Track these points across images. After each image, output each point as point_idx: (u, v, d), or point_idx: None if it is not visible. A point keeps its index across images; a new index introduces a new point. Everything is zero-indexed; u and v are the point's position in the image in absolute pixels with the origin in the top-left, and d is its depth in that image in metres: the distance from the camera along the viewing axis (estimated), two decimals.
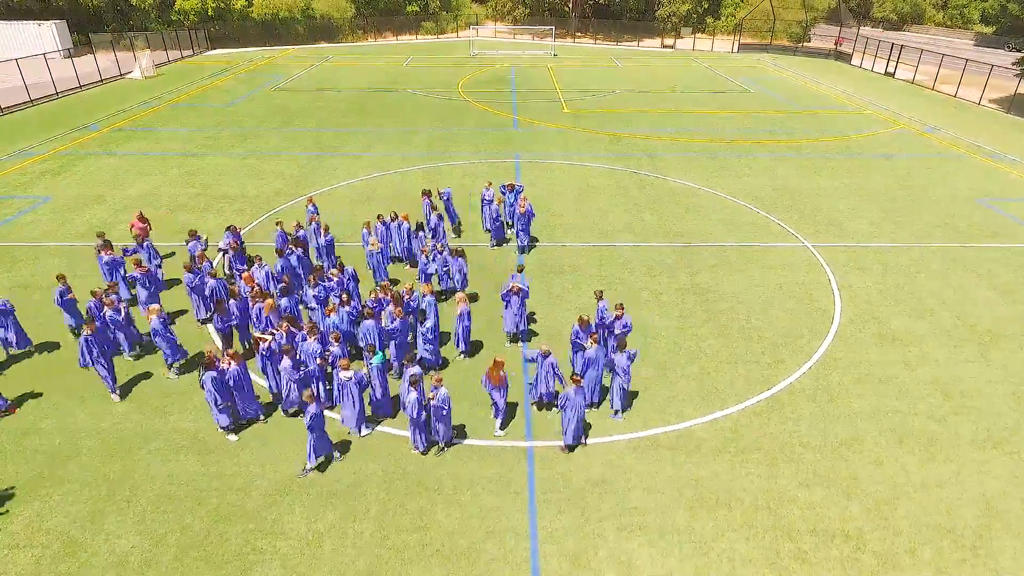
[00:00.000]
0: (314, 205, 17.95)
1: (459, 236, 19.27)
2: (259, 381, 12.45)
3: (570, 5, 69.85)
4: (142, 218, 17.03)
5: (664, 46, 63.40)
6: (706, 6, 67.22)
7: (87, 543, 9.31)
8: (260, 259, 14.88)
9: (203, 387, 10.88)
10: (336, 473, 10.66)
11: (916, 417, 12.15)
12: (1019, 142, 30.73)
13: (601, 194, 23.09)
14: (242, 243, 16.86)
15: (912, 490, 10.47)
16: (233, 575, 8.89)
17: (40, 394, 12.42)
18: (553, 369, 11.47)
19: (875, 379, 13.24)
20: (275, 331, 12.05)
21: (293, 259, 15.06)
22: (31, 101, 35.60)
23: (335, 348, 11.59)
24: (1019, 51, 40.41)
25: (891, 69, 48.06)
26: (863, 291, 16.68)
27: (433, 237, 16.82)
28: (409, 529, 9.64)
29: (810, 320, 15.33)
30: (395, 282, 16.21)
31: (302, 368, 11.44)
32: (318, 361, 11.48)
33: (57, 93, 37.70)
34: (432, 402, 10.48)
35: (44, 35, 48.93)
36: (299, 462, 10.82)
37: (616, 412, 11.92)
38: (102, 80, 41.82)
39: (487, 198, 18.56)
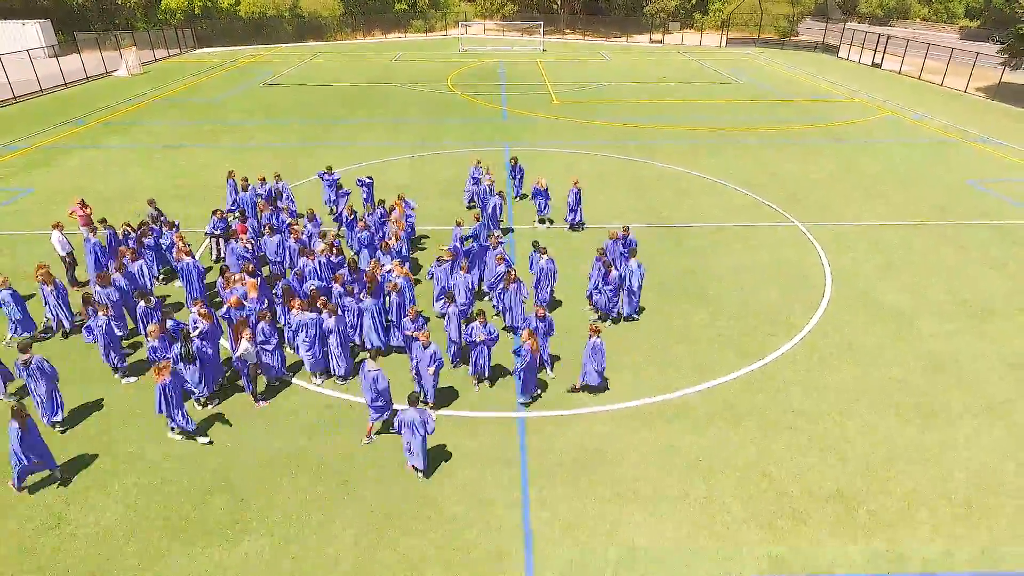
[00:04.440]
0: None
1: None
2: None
3: (559, 1, 69.92)
4: (83, 204, 16.62)
5: (653, 41, 63.52)
6: (694, 2, 67.45)
7: (71, 516, 9.10)
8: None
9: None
10: (324, 446, 10.49)
11: (909, 387, 12.11)
12: (1006, 127, 30.92)
13: (591, 180, 22.97)
14: (226, 226, 16.70)
15: (906, 455, 10.41)
16: (219, 547, 8.70)
17: None
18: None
19: (868, 351, 13.19)
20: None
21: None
22: (15, 98, 35.21)
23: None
24: (1004, 43, 40.66)
25: (878, 60, 48.34)
26: (854, 268, 16.66)
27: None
28: (399, 500, 9.48)
29: (802, 296, 15.29)
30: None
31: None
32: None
33: (42, 90, 37.31)
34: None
35: (28, 34, 48.44)
36: (285, 438, 10.68)
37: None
38: (87, 78, 41.42)
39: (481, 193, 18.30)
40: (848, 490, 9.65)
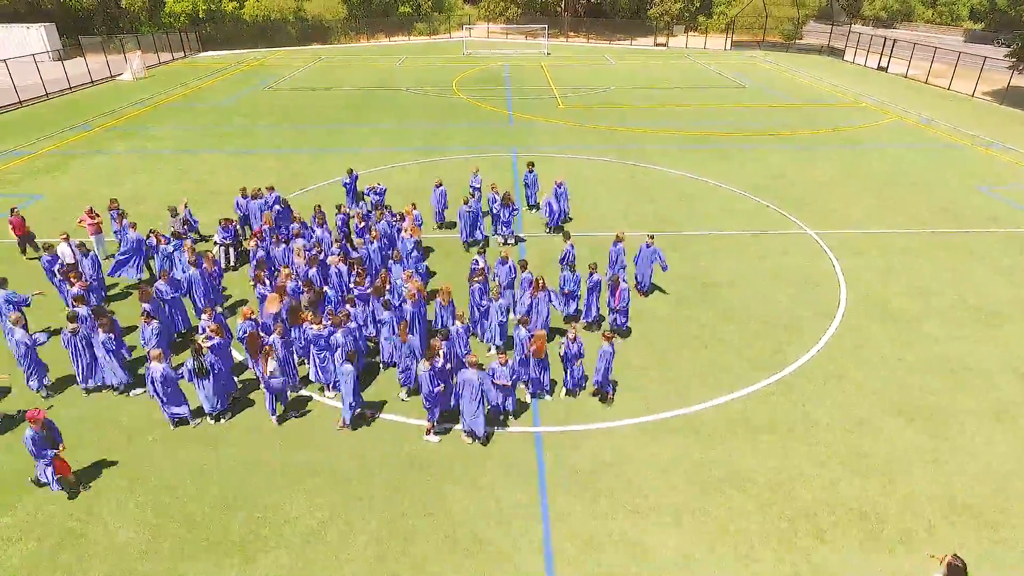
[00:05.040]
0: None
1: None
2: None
3: (562, 5, 69.90)
4: (92, 213, 16.63)
5: (657, 44, 63.46)
6: (698, 4, 67.33)
7: (86, 534, 9.05)
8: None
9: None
10: (341, 460, 10.43)
11: (924, 395, 12.04)
12: (1016, 132, 30.78)
13: (597, 186, 22.95)
14: (236, 237, 16.69)
15: (925, 467, 10.33)
16: (236, 563, 8.64)
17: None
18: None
19: (881, 359, 13.12)
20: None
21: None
22: (20, 103, 35.22)
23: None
24: (1009, 46, 40.53)
25: (884, 64, 48.23)
26: (865, 275, 16.58)
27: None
28: (416, 514, 9.42)
29: (814, 304, 15.21)
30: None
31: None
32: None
33: (47, 95, 37.33)
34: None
35: (32, 38, 48.53)
36: (298, 451, 10.62)
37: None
38: (92, 82, 41.47)
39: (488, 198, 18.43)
40: (866, 504, 9.58)
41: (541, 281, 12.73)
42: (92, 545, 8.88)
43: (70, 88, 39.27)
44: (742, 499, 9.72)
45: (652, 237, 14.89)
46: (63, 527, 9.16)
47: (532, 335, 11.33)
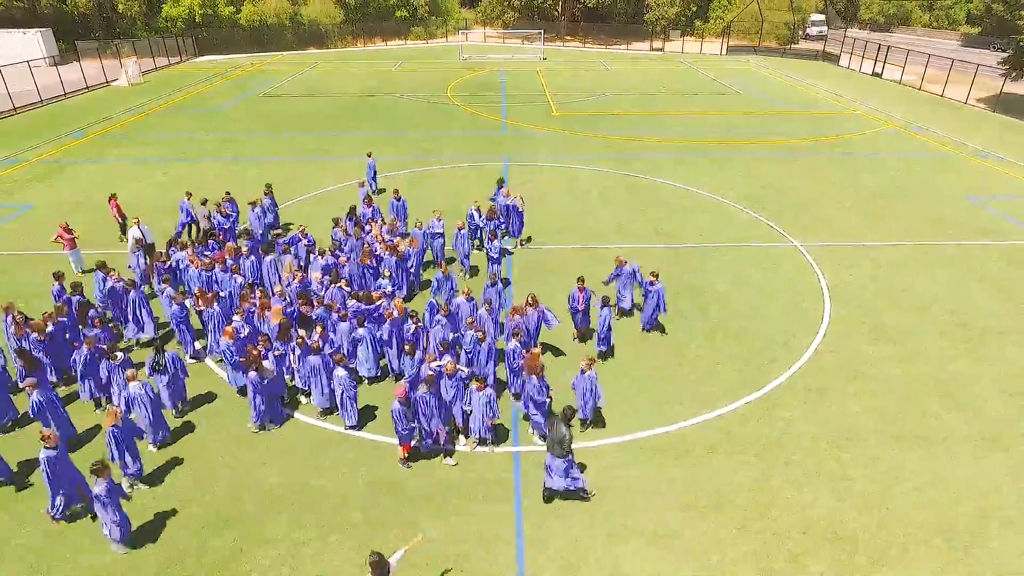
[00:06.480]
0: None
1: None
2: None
3: (559, 9, 70.01)
4: (67, 229, 16.54)
5: (653, 49, 63.57)
6: (694, 9, 67.52)
7: (62, 558, 9.05)
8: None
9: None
10: (321, 480, 10.45)
11: (909, 414, 12.05)
12: (1007, 140, 30.85)
13: (590, 196, 22.99)
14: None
15: (906, 489, 10.34)
16: None
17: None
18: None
19: (867, 376, 13.14)
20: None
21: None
22: (14, 109, 35.26)
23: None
24: (1004, 51, 40.61)
25: (878, 70, 48.30)
26: (853, 289, 16.61)
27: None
28: (395, 537, 9.43)
29: (801, 318, 15.24)
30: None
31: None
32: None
33: (42, 101, 37.39)
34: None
35: (29, 43, 48.57)
36: (281, 472, 10.64)
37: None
38: (88, 88, 41.53)
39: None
40: (846, 529, 9.59)
41: (532, 297, 12.78)
42: (72, 568, 8.88)
43: (65, 94, 39.31)
44: (720, 520, 9.73)
45: (655, 275, 14.03)
46: (37, 551, 9.15)
47: (526, 350, 11.40)
